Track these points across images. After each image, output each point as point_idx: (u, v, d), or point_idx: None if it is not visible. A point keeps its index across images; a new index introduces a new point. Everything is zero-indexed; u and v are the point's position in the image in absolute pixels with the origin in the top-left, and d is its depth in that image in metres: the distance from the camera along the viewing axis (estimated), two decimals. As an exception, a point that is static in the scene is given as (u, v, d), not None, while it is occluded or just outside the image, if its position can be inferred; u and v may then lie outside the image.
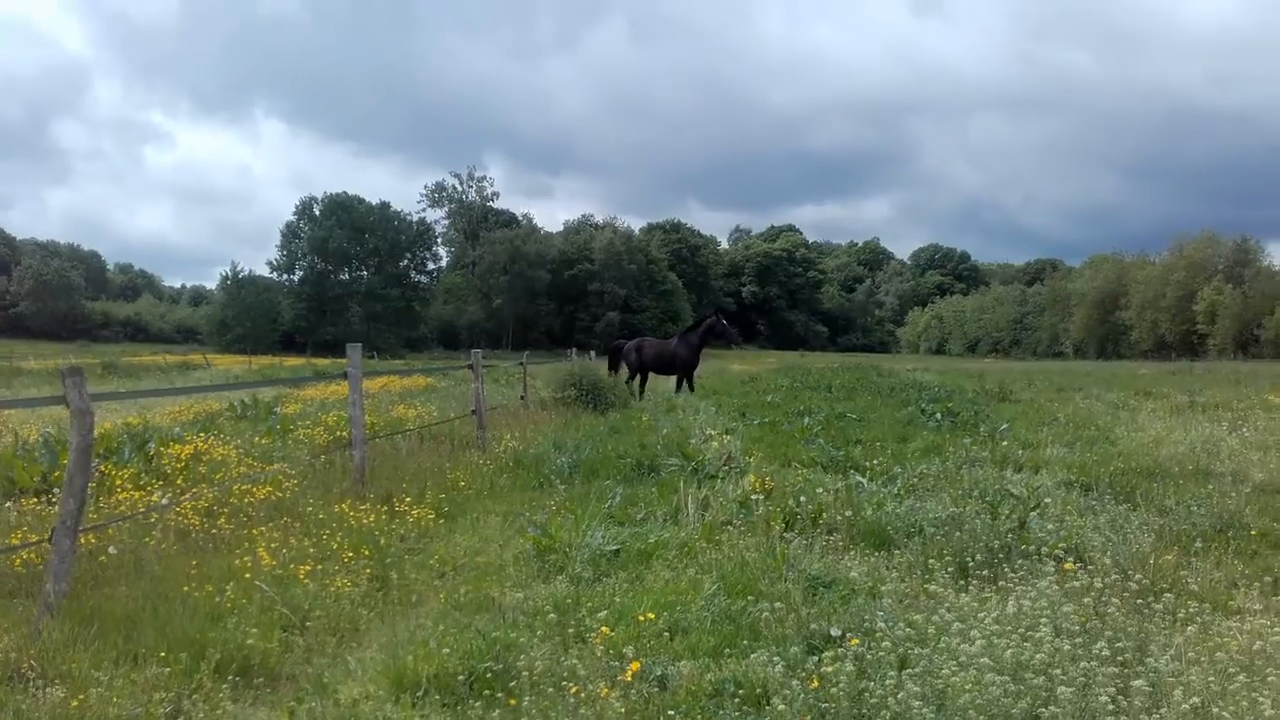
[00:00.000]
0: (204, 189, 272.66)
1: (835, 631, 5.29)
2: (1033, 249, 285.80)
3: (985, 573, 6.26)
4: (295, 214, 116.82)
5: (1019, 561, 6.29)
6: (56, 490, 8.25)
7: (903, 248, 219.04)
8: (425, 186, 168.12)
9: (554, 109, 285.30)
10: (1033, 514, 7.29)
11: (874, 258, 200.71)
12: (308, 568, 6.48)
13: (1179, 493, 9.22)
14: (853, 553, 7.16)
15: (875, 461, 11.20)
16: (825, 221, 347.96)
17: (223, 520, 7.49)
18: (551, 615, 5.99)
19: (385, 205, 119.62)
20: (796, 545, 7.20)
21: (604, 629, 5.49)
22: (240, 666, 5.18)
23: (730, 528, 8.07)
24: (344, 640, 6.01)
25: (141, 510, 6.98)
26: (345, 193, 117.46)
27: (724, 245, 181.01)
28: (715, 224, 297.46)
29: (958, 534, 7.05)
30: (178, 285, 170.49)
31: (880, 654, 4.67)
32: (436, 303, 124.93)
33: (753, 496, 8.87)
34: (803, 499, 8.24)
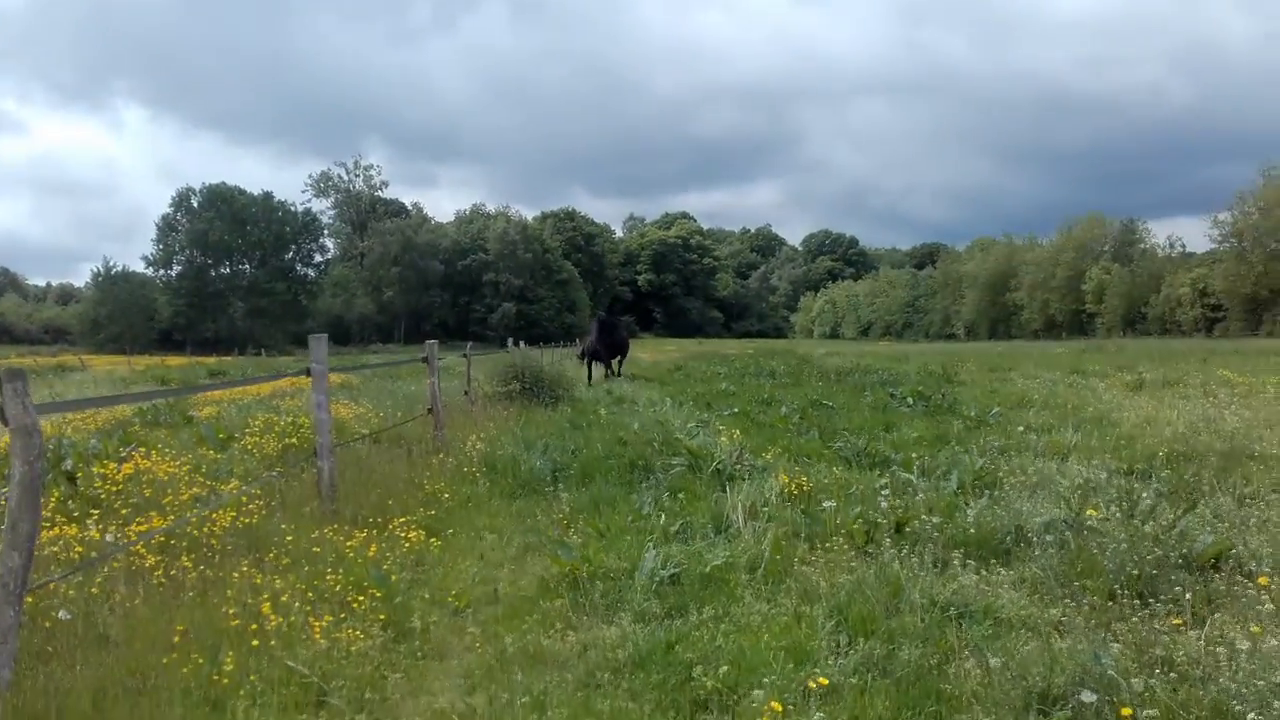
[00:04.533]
0: (64, 181, 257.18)
1: (1042, 685, 4.11)
2: (916, 233, 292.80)
3: (1148, 590, 5.19)
4: (172, 206, 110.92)
5: (1178, 575, 5.25)
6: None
7: (793, 234, 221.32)
8: (309, 176, 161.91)
9: (435, 95, 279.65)
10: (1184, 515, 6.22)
11: (766, 244, 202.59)
12: (324, 622, 5.01)
13: (1262, 477, 8.36)
14: (964, 569, 6.00)
15: (900, 454, 10.14)
16: (714, 208, 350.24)
17: (185, 558, 5.92)
18: (656, 675, 4.68)
19: (268, 196, 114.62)
20: (904, 562, 6.01)
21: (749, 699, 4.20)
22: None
23: (799, 541, 6.85)
24: (376, 716, 4.60)
25: (93, 556, 5.38)
26: (225, 183, 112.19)
27: (619, 234, 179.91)
28: (604, 212, 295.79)
29: (1092, 542, 5.96)
30: (42, 283, 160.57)
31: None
32: (324, 296, 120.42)
33: (791, 500, 7.69)
34: (883, 503, 7.05)
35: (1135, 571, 5.37)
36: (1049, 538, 6.30)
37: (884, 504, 7.00)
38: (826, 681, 4.11)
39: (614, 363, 25.83)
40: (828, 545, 6.48)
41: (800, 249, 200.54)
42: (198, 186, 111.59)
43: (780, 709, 3.82)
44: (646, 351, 67.56)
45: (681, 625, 5.47)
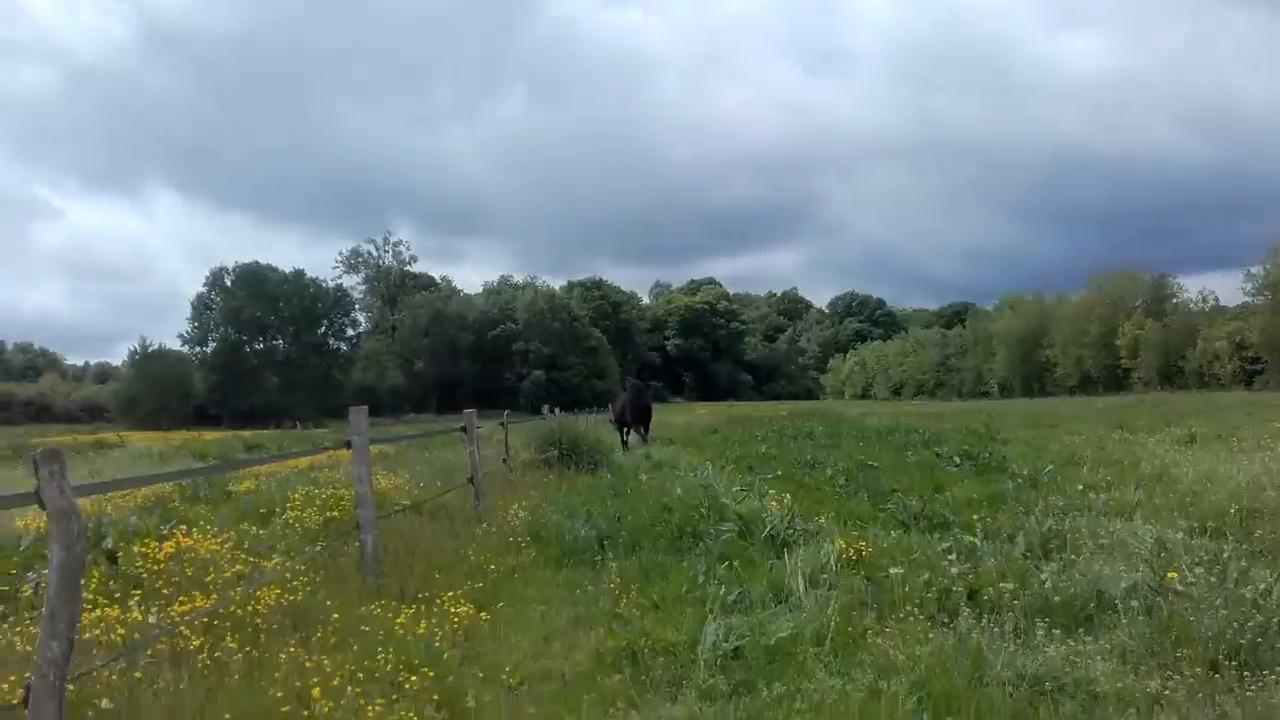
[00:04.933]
0: (99, 264, 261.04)
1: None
2: (942, 293, 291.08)
3: (1251, 659, 4.84)
4: (206, 285, 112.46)
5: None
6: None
7: (819, 296, 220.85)
8: (340, 253, 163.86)
9: (458, 172, 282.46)
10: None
11: (793, 307, 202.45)
12: (377, 707, 4.75)
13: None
14: (1049, 638, 5.65)
15: (957, 515, 9.77)
16: (739, 273, 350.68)
17: (229, 638, 5.69)
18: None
19: (299, 273, 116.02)
20: (983, 631, 5.67)
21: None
22: None
23: (865, 610, 6.53)
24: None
25: (135, 639, 5.16)
26: (257, 262, 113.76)
27: (645, 300, 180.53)
28: (629, 279, 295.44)
29: (1182, 608, 5.61)
30: (80, 363, 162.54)
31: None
32: (357, 369, 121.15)
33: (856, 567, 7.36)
34: (952, 569, 6.72)
35: (1239, 640, 5.02)
36: (1134, 603, 5.94)
37: (954, 570, 6.67)
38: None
39: (643, 429, 25.81)
40: (898, 615, 6.16)
41: (827, 311, 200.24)
42: (230, 266, 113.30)
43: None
44: (679, 415, 67.10)
45: (751, 703, 5.16)
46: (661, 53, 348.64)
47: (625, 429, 25.80)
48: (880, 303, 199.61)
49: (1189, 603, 5.74)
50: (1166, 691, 4.78)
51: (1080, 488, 11.34)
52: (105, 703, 4.29)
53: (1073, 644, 5.47)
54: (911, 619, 6.00)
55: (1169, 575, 6.24)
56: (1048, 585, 6.26)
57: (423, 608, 6.94)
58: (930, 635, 5.69)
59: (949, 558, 7.19)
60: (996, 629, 5.66)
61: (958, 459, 16.40)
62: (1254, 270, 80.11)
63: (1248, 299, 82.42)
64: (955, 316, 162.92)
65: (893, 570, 6.76)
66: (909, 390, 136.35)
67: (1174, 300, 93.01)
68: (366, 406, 8.37)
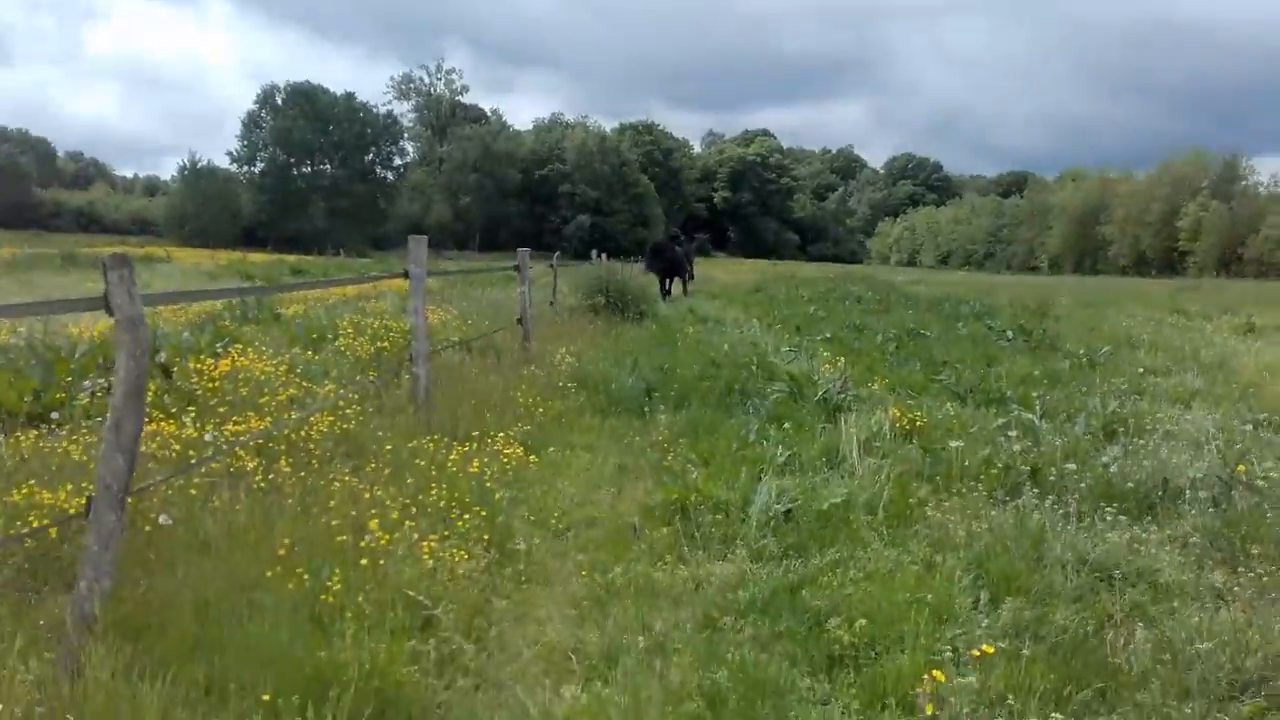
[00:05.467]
0: (150, 73, 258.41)
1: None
2: (1004, 161, 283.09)
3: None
4: (256, 103, 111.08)
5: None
6: (54, 415, 6.41)
7: (876, 156, 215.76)
8: (391, 78, 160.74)
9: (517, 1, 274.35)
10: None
11: (847, 165, 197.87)
12: (431, 543, 4.74)
13: None
14: (1112, 524, 5.51)
15: (1013, 391, 9.57)
16: (795, 126, 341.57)
17: (283, 462, 5.70)
18: (784, 623, 4.34)
19: (351, 96, 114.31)
20: (1043, 512, 5.54)
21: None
22: (375, 710, 3.50)
23: (921, 482, 6.43)
24: (484, 646, 4.34)
25: (191, 457, 5.16)
26: (309, 82, 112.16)
27: (697, 149, 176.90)
28: (683, 124, 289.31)
29: (1252, 502, 5.45)
30: (129, 175, 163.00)
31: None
32: (402, 200, 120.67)
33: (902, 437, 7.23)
34: (1014, 445, 6.56)
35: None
36: (1202, 494, 5.78)
37: (1016, 447, 6.52)
38: (991, 650, 3.69)
39: (669, 282, 26.75)
40: (956, 489, 6.05)
41: (882, 172, 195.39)
42: (282, 84, 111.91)
43: (942, 678, 3.43)
44: (722, 271, 66.62)
45: (803, 568, 5.11)
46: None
47: (665, 280, 26.58)
48: (938, 166, 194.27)
49: (1258, 497, 5.58)
50: (1235, 586, 4.66)
51: (1140, 371, 11.06)
52: (163, 518, 4.29)
53: (1139, 530, 5.34)
54: (971, 494, 5.88)
55: (1239, 468, 6.06)
56: (1113, 470, 6.09)
57: (474, 445, 6.92)
58: (990, 513, 5.58)
59: (1009, 434, 7.03)
60: (1059, 510, 5.53)
61: (1010, 333, 16.10)
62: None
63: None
64: (1014, 186, 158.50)
65: (952, 443, 6.61)
66: (956, 260, 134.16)
67: (1244, 183, 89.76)
68: (425, 237, 8.20)
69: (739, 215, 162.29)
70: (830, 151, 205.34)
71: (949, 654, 3.93)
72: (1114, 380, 10.62)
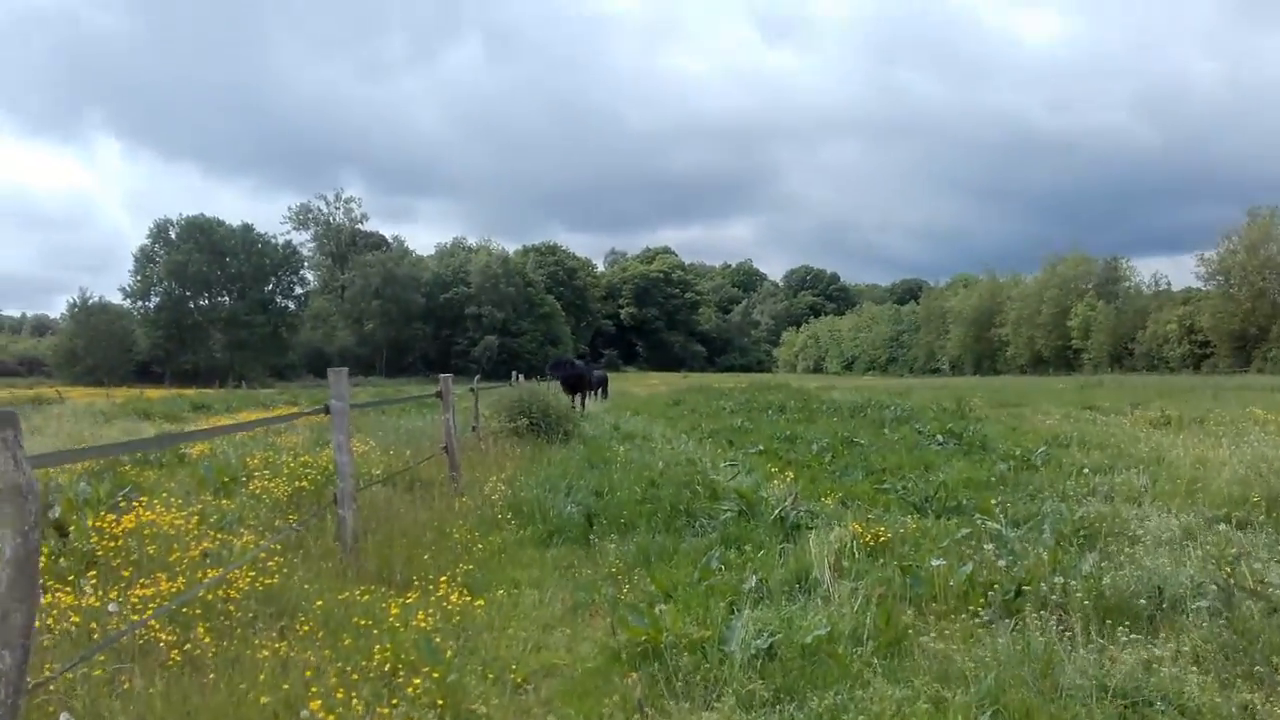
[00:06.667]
0: (36, 212, 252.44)
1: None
2: (894, 269, 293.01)
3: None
4: (149, 237, 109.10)
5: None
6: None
7: (774, 269, 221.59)
8: (289, 208, 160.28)
9: (411, 129, 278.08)
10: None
11: (747, 279, 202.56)
12: (382, 712, 4.10)
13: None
14: (1125, 643, 5.11)
15: (970, 499, 9.28)
16: (692, 243, 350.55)
17: (201, 630, 4.99)
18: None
19: (248, 228, 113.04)
20: (1045, 633, 5.12)
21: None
22: None
23: (903, 605, 5.98)
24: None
25: (93, 633, 4.44)
26: (204, 215, 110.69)
27: (600, 268, 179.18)
28: (583, 245, 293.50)
29: (1256, 610, 5.13)
30: (17, 314, 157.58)
31: None
32: (305, 329, 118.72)
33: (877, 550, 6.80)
34: (1000, 560, 6.18)
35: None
36: (1201, 604, 5.45)
37: (1000, 562, 6.15)
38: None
39: (576, 398, 27.51)
40: (942, 612, 5.62)
41: (781, 284, 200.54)
42: (175, 218, 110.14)
43: None
44: (635, 385, 66.60)
45: (799, 713, 4.58)
46: (622, 12, 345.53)
47: (572, 395, 27.30)
48: (835, 277, 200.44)
49: (1264, 603, 5.27)
50: (1266, 703, 4.29)
51: (1086, 471, 10.91)
52: (64, 716, 3.59)
53: (1153, 648, 4.95)
54: (962, 617, 5.45)
55: (1231, 572, 5.77)
56: (1105, 581, 5.73)
57: (415, 595, 6.27)
58: (990, 639, 5.14)
59: (985, 546, 6.66)
60: (1063, 631, 5.12)
61: (940, 437, 15.99)
62: (1207, 255, 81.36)
63: (1200, 284, 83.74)
64: (908, 293, 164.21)
65: (933, 562, 6.19)
66: (861, 365, 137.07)
67: (1126, 283, 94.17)
68: (345, 369, 7.63)
69: (646, 330, 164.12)
70: (730, 265, 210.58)
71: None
72: (1062, 483, 10.43)
